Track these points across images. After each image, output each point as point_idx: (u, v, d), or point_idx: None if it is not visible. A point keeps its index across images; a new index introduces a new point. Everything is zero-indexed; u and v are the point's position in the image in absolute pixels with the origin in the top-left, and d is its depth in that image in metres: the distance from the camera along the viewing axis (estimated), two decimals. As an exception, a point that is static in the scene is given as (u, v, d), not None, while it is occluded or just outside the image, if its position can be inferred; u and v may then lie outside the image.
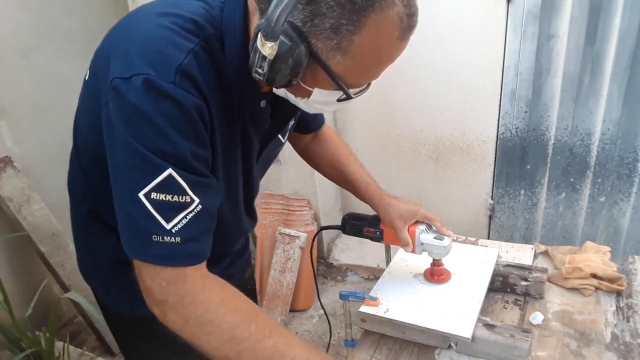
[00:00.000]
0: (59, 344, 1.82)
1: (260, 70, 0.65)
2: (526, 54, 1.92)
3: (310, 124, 1.11)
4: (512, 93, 2.01)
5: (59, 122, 2.14)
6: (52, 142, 2.15)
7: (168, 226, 0.65)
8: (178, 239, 0.66)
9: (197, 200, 0.67)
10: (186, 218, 0.66)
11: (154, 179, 0.64)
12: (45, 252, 1.99)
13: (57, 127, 2.15)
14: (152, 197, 0.64)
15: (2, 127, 1.99)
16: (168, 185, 0.65)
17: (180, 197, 0.66)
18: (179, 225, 0.66)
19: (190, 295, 0.67)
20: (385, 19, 0.62)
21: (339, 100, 0.73)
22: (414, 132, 2.34)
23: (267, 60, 0.63)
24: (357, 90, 0.73)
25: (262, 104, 0.80)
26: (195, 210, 0.67)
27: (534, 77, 1.95)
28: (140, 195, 0.64)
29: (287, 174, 2.46)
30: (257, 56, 0.64)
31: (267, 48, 0.62)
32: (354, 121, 2.47)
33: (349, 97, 0.71)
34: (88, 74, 0.76)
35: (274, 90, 0.75)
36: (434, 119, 2.26)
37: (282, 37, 0.61)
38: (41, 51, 2.09)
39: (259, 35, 0.62)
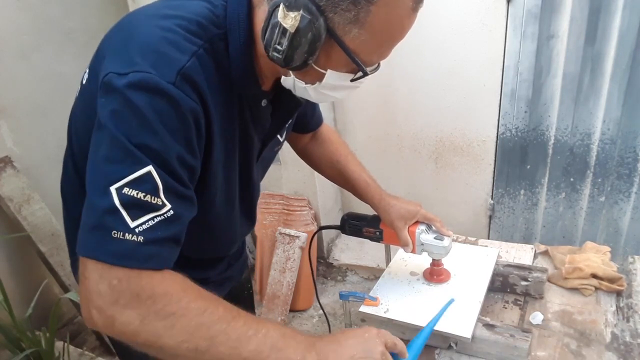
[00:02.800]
0: (59, 344, 1.82)
1: (279, 47, 0.66)
2: (526, 54, 1.92)
3: (309, 123, 1.11)
4: (512, 93, 2.01)
5: (59, 122, 2.11)
6: (52, 142, 2.14)
7: (132, 224, 0.61)
8: (141, 238, 0.61)
9: (169, 205, 0.63)
10: (153, 220, 0.62)
11: (132, 173, 0.61)
12: (45, 252, 1.99)
13: (57, 127, 2.12)
14: (123, 191, 0.60)
15: (2, 127, 1.99)
16: (144, 183, 0.61)
17: (153, 198, 0.62)
18: (144, 226, 0.62)
19: (147, 291, 0.62)
20: None
21: (352, 80, 0.73)
22: (414, 132, 2.34)
23: (288, 33, 0.64)
24: (370, 68, 0.73)
25: (264, 103, 0.80)
26: (165, 215, 0.63)
27: (534, 77, 1.95)
28: (112, 188, 0.60)
29: (287, 174, 2.46)
30: (275, 32, 0.65)
31: (289, 19, 0.63)
32: (354, 121, 2.47)
33: (365, 74, 0.71)
34: (86, 76, 0.75)
35: (282, 81, 0.75)
36: (434, 119, 2.26)
37: (301, 11, 0.63)
38: (41, 51, 2.09)
39: (281, 6, 0.63)
